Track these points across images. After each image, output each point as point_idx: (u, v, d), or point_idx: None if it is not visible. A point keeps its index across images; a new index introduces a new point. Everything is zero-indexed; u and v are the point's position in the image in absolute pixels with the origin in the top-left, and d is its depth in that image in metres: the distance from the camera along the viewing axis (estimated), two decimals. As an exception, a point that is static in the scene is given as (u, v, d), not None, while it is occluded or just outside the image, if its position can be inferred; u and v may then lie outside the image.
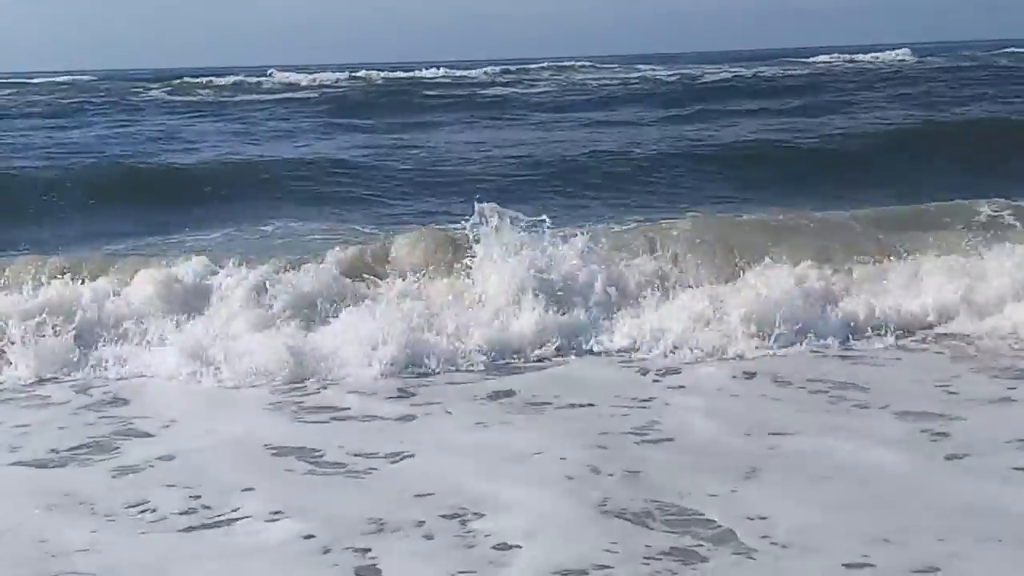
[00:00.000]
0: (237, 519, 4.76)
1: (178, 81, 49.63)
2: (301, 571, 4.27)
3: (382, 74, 54.81)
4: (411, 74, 54.48)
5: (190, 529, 4.69)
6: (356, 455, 5.56)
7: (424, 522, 4.64)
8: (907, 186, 13.58)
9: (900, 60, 55.33)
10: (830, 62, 56.70)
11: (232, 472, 5.35)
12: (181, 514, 4.83)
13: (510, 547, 4.37)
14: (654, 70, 53.84)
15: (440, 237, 9.17)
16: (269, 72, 57.08)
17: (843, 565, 4.13)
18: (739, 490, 4.90)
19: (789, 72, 44.97)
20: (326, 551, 4.42)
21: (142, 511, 4.88)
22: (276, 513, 4.78)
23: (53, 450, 5.77)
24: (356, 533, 4.56)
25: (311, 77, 52.11)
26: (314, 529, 4.60)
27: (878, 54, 59.31)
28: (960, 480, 4.99)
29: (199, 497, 5.00)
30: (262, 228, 11.95)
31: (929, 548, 4.26)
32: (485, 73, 54.62)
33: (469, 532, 4.53)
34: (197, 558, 4.39)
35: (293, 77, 52.41)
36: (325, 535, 4.55)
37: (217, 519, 4.77)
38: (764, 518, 4.57)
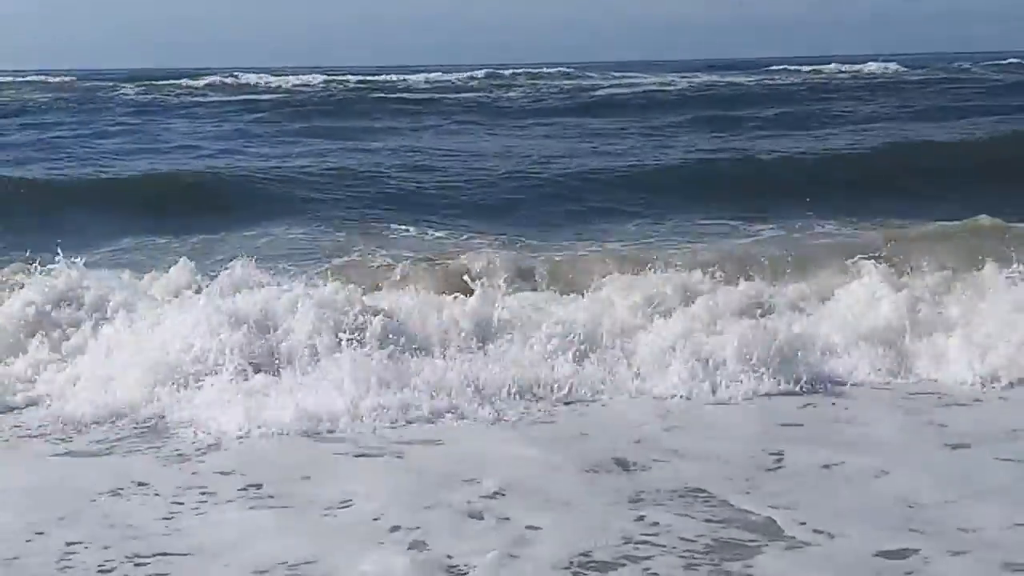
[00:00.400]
0: (296, 498, 5.17)
1: (149, 82, 49.80)
2: (368, 545, 4.62)
3: (356, 78, 55.11)
4: (385, 78, 54.92)
5: (254, 510, 5.05)
6: (395, 443, 5.98)
7: (470, 502, 5.07)
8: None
9: (885, 72, 56.32)
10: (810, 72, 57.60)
11: (278, 457, 5.77)
12: (241, 498, 5.17)
13: (537, 528, 4.76)
14: (626, 75, 54.49)
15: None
16: (235, 73, 57.39)
17: (882, 552, 4.51)
18: (763, 483, 5.32)
19: (776, 82, 45.90)
20: (394, 529, 4.79)
21: (202, 495, 5.22)
22: (346, 499, 5.14)
23: (99, 442, 6.09)
24: (409, 512, 4.96)
25: (285, 79, 52.47)
26: (377, 510, 5.00)
27: (858, 66, 60.30)
28: (965, 469, 5.50)
29: (259, 486, 5.34)
30: (246, 234, 12.21)
31: (957, 534, 4.67)
32: (472, 77, 55.19)
33: (502, 516, 4.92)
34: (276, 534, 4.75)
35: (273, 80, 52.71)
36: (389, 514, 4.94)
37: (282, 499, 5.16)
38: (790, 508, 4.96)
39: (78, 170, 17.34)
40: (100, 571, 4.41)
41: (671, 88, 41.55)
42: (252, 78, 54.11)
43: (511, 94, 40.50)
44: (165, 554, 4.56)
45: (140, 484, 5.36)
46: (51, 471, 5.63)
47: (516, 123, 27.76)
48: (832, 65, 61.76)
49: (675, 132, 24.03)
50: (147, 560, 4.50)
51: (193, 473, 5.52)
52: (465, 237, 11.94)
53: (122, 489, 5.29)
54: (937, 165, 16.37)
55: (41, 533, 4.79)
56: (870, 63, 60.48)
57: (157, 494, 5.24)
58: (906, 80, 44.33)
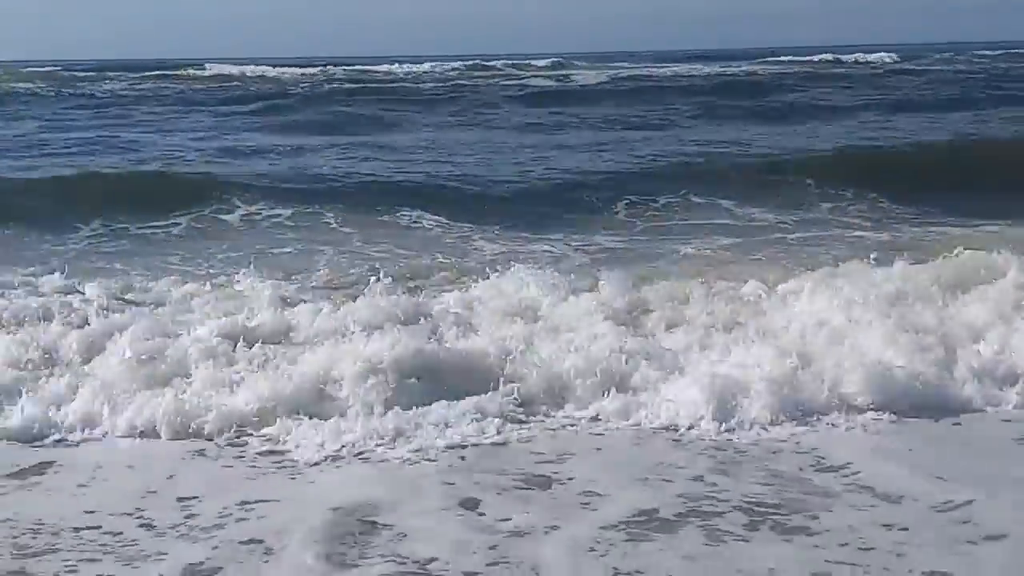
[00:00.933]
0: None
1: (122, 72, 50.01)
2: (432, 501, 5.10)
3: (339, 69, 55.45)
4: (371, 68, 55.33)
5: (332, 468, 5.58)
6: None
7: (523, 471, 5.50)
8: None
9: (884, 62, 57.21)
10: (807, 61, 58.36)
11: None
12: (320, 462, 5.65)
13: (598, 495, 5.14)
14: (616, 65, 54.92)
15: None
16: (205, 65, 57.67)
17: (939, 505, 4.94)
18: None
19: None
20: (447, 484, 5.32)
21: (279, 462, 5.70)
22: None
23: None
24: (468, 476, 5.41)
25: (261, 68, 52.83)
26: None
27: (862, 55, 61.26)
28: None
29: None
30: (222, 218, 12.84)
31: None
32: (453, 68, 55.58)
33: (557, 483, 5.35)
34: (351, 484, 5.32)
35: (249, 70, 53.04)
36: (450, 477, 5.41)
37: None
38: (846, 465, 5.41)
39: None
40: (219, 516, 4.96)
41: (665, 76, 42.14)
42: (229, 69, 54.42)
43: (498, 84, 40.96)
44: (264, 500, 5.11)
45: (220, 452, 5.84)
46: (135, 451, 5.98)
47: (507, 114, 28.14)
48: (829, 55, 62.65)
49: (682, 119, 24.71)
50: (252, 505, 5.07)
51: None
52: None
53: (204, 451, 5.80)
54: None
55: (154, 492, 5.27)
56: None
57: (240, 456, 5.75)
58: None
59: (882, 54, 63.19)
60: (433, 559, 4.48)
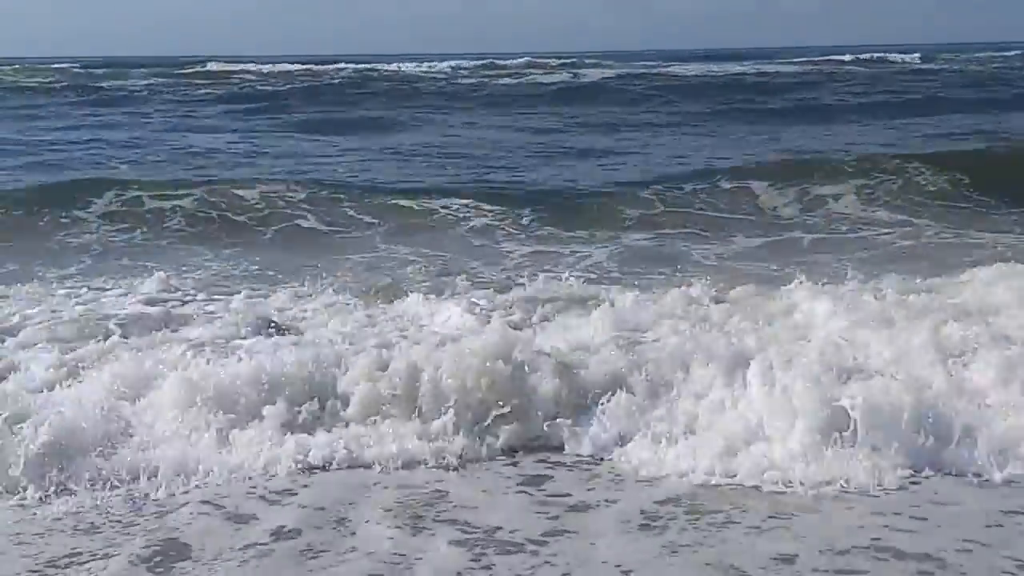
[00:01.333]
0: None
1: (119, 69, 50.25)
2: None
3: (351, 67, 55.59)
4: (382, 67, 55.40)
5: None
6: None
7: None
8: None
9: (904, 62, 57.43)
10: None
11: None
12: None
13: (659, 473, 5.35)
14: (628, 64, 55.01)
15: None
16: (206, 64, 57.94)
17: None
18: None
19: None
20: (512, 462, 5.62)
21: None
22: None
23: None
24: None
25: (264, 66, 53.03)
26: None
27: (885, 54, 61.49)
28: None
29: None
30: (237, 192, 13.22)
31: None
32: (459, 67, 55.74)
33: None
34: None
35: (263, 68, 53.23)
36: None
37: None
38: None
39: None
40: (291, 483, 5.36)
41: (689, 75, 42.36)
42: (239, 67, 54.72)
43: (510, 82, 41.12)
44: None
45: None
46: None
47: (521, 112, 28.52)
48: (847, 55, 62.82)
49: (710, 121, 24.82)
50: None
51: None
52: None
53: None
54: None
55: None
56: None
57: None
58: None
59: (898, 55, 63.36)
60: (497, 528, 4.70)
